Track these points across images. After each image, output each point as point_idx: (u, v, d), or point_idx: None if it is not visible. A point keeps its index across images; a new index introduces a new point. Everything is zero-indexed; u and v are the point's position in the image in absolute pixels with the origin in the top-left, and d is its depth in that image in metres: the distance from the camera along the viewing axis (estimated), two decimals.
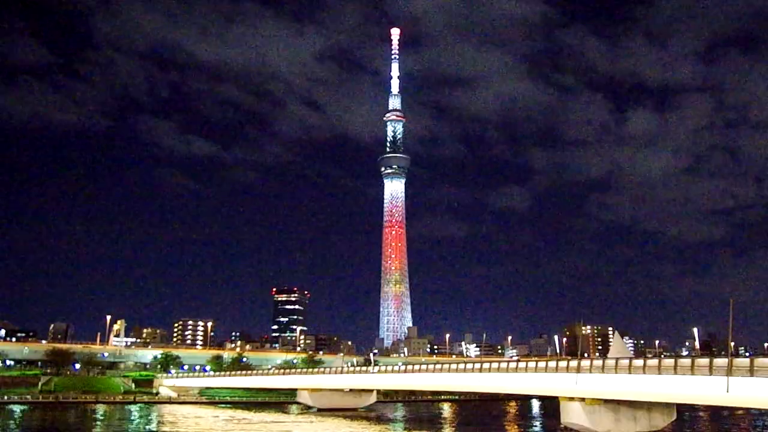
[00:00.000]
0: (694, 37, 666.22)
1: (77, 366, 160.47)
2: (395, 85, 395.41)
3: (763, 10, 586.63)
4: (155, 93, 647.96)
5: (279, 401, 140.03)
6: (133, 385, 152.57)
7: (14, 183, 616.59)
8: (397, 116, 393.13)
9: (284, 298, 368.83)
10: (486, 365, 79.39)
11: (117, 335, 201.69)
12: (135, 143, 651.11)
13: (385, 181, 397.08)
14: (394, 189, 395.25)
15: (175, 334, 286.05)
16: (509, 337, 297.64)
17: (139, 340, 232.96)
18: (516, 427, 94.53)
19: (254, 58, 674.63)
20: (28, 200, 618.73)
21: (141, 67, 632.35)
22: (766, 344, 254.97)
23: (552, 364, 69.19)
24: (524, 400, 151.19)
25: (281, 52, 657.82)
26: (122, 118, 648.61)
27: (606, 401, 62.27)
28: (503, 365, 77.04)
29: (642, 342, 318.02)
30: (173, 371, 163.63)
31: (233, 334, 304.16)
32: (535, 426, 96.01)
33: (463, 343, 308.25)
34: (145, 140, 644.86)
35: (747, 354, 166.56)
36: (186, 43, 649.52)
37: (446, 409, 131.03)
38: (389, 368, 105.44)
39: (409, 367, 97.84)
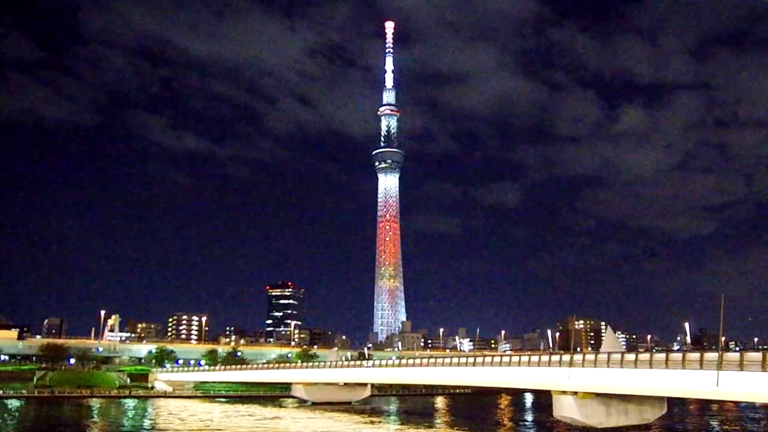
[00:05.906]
0: (685, 34, 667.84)
1: (72, 361, 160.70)
2: (389, 80, 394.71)
3: (753, 8, 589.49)
4: (146, 88, 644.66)
5: (274, 395, 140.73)
6: (128, 380, 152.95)
7: (4, 179, 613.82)
8: (391, 110, 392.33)
9: (278, 293, 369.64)
10: (479, 359, 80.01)
11: (111, 330, 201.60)
12: (126, 139, 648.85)
13: (379, 175, 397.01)
14: (388, 184, 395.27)
15: (169, 329, 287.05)
16: (502, 332, 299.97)
17: (133, 335, 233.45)
18: (509, 420, 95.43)
19: (245, 53, 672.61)
20: (20, 196, 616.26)
21: (131, 62, 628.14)
22: (755, 339, 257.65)
23: (545, 358, 69.77)
24: (517, 393, 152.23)
25: (272, 48, 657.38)
26: (112, 113, 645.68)
27: (598, 395, 63.05)
28: (496, 359, 77.49)
29: (634, 336, 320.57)
30: (168, 366, 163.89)
31: (228, 328, 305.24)
32: (528, 419, 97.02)
33: (456, 337, 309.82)
34: (136, 136, 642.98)
35: (737, 348, 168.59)
36: (176, 39, 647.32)
37: (440, 403, 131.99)
38: (383, 362, 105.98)
39: (403, 361, 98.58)
